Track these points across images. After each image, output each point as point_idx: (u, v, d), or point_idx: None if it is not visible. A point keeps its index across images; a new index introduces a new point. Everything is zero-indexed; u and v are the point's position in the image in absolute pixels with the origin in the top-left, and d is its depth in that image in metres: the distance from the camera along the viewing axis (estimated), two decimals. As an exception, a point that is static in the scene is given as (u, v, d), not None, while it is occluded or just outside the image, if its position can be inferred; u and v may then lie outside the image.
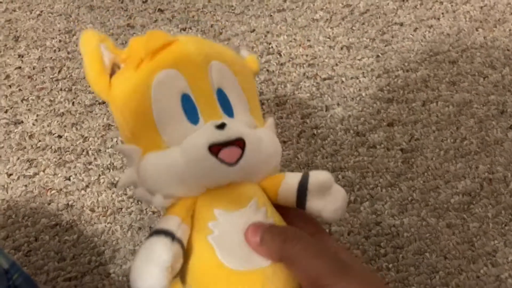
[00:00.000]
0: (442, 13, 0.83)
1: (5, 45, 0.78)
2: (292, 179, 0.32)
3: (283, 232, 0.29)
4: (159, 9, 0.84)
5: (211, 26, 0.81)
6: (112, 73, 0.32)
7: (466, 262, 0.54)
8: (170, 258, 0.27)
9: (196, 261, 0.29)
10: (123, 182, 0.32)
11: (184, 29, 0.80)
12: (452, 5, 0.84)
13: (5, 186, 0.61)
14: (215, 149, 0.29)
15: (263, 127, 0.34)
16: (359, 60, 0.75)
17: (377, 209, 0.58)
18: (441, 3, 0.84)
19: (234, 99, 0.33)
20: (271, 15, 0.83)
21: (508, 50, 0.76)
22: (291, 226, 0.31)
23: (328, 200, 0.32)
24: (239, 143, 0.29)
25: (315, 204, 0.32)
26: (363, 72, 0.73)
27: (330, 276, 0.27)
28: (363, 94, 0.70)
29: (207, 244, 0.29)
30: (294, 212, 0.33)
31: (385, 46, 0.78)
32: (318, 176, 0.32)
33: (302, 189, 0.32)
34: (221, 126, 0.29)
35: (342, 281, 0.27)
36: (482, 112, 0.68)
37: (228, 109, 0.32)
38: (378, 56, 0.76)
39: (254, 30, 0.80)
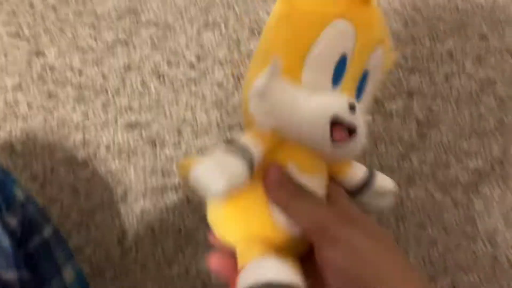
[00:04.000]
0: (479, -17, 0.79)
1: (31, -29, 0.77)
2: (358, 175, 0.35)
3: (296, 185, 0.31)
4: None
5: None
6: None
7: (466, 239, 0.55)
8: (244, 178, 0.28)
9: (249, 205, 0.31)
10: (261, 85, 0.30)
11: (212, -27, 0.78)
12: (490, -24, 0.81)
13: (25, 116, 0.62)
14: (335, 124, 0.30)
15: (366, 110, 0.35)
16: (387, 25, 0.73)
17: (385, 178, 0.59)
18: (480, -28, 0.81)
19: (368, 86, 0.34)
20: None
21: (541, 29, 0.74)
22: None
23: (381, 199, 0.36)
24: (352, 132, 0.31)
25: (367, 202, 0.36)
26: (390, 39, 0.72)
27: (334, 222, 0.29)
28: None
29: (264, 198, 0.31)
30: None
31: (416, 12, 0.75)
32: (384, 184, 0.36)
33: (364, 189, 0.35)
34: (353, 108, 0.30)
35: (345, 227, 0.29)
36: (504, 92, 0.67)
37: (359, 93, 0.33)
38: (406, 22, 0.74)
39: None
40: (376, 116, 0.64)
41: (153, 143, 0.60)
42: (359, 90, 0.33)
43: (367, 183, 0.35)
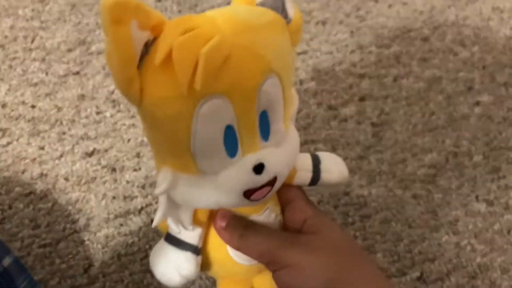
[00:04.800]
0: (416, -9, 0.84)
1: (-24, 13, 0.76)
2: (304, 176, 0.35)
3: (243, 223, 0.33)
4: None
5: (188, -2, 0.81)
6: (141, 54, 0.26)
7: (429, 231, 0.56)
8: (194, 271, 0.34)
9: (211, 250, 0.35)
10: (159, 216, 0.31)
11: (159, 0, 0.79)
12: (426, -17, 0.85)
13: (-22, 155, 0.60)
14: (248, 193, 0.29)
15: (290, 124, 0.32)
16: (333, 35, 0.76)
17: (346, 180, 0.60)
18: (416, -20, 0.85)
19: (274, 116, 0.29)
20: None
21: (478, 28, 0.78)
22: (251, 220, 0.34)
23: (337, 167, 0.36)
24: (272, 181, 0.30)
25: (327, 179, 0.36)
26: (337, 48, 0.74)
27: (284, 248, 0.31)
28: (337, 69, 0.72)
29: (222, 242, 0.34)
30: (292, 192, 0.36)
31: (360, 22, 0.79)
32: (331, 167, 0.36)
33: (315, 182, 0.36)
34: (259, 169, 0.28)
35: (295, 251, 0.31)
36: (451, 88, 0.70)
37: (265, 132, 0.29)
38: (352, 31, 0.77)
39: (230, 3, 0.80)
40: (332, 123, 0.65)
41: (112, 169, 0.59)
42: (265, 131, 0.29)
43: (314, 178, 0.35)
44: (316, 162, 0.36)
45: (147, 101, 0.26)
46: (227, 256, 0.35)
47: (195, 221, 0.33)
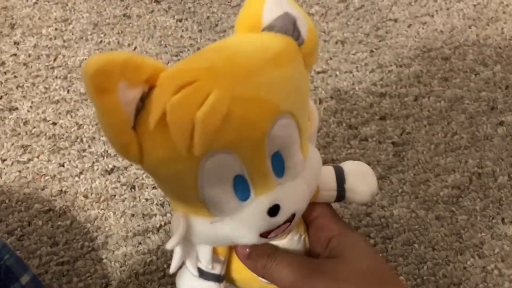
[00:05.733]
0: (436, 10, 0.83)
1: (1, 32, 0.78)
2: (328, 191, 0.32)
3: (266, 251, 0.32)
4: (155, 0, 0.84)
5: (207, 17, 0.81)
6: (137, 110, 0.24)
7: (454, 254, 0.55)
8: None
9: (235, 272, 0.34)
10: (176, 263, 0.30)
11: (180, 20, 0.80)
12: (446, 3, 0.85)
13: (-1, 171, 0.61)
14: (265, 233, 0.28)
15: (308, 148, 0.29)
16: (353, 54, 0.76)
17: (367, 200, 0.59)
18: (435, 0, 0.85)
19: (289, 153, 0.27)
20: (267, 9, 0.83)
21: (499, 48, 0.77)
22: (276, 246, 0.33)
23: (363, 186, 0.33)
24: (290, 218, 0.28)
25: (352, 199, 0.33)
26: (356, 67, 0.74)
27: (302, 278, 0.30)
28: (356, 88, 0.71)
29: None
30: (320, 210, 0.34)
31: (379, 41, 0.78)
32: (357, 182, 0.33)
33: (340, 197, 0.33)
34: (274, 212, 0.27)
35: (312, 280, 0.30)
36: (473, 108, 0.69)
37: (280, 169, 0.27)
38: (372, 51, 0.77)
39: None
40: (352, 142, 0.65)
41: (131, 187, 0.59)
42: (279, 169, 0.27)
43: (339, 197, 0.33)
44: (340, 180, 0.33)
45: (147, 161, 0.25)
46: (252, 277, 0.33)
47: (215, 252, 0.32)
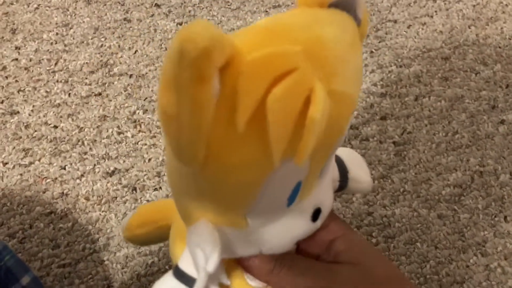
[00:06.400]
0: (435, 11, 0.84)
1: (2, 37, 0.78)
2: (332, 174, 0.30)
3: (272, 259, 0.29)
4: (155, 3, 0.84)
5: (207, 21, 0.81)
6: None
7: (456, 252, 0.54)
8: None
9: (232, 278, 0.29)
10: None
11: (181, 24, 0.81)
12: (445, 3, 0.85)
13: (1, 175, 0.61)
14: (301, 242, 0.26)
15: None
16: (353, 55, 0.76)
17: (369, 199, 0.58)
18: (435, 1, 0.85)
19: (335, 150, 0.24)
20: (266, 11, 0.84)
21: (499, 47, 0.77)
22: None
23: (365, 176, 0.32)
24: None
25: (354, 188, 0.31)
26: (357, 67, 0.74)
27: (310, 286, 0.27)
28: (357, 89, 0.71)
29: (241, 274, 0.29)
30: None
31: (379, 42, 0.79)
32: (359, 176, 0.31)
33: (342, 186, 0.31)
34: (316, 216, 0.25)
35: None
36: (473, 107, 0.69)
37: (324, 170, 0.25)
38: (372, 52, 0.77)
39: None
40: (353, 142, 0.65)
41: (133, 189, 0.59)
42: (323, 169, 0.25)
43: (340, 187, 0.31)
44: (343, 170, 0.31)
45: (214, 166, 0.20)
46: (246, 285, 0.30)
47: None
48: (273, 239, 0.25)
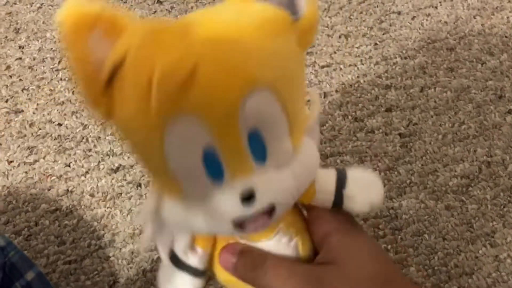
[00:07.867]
0: (440, 2, 0.83)
1: (6, 37, 0.79)
2: (325, 195, 0.29)
3: (254, 259, 0.28)
4: (158, 0, 0.84)
5: (210, 16, 0.81)
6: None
7: (465, 243, 0.54)
8: None
9: (220, 271, 0.30)
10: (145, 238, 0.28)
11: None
12: (450, -6, 0.84)
13: (6, 173, 0.61)
14: (240, 224, 0.25)
15: (301, 140, 0.26)
16: (357, 48, 0.76)
17: (375, 192, 0.58)
18: (439, -8, 0.85)
19: (271, 135, 0.25)
20: (269, 6, 0.83)
21: (506, 37, 0.76)
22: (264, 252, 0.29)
23: (363, 195, 0.30)
24: (269, 209, 0.25)
25: (350, 207, 0.29)
26: (361, 60, 0.74)
27: (301, 285, 0.27)
28: (361, 81, 0.71)
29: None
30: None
31: (383, 34, 0.78)
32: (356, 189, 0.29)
33: (337, 203, 0.29)
34: (249, 198, 0.24)
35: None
36: (480, 97, 0.68)
37: (261, 154, 0.25)
38: (376, 44, 0.76)
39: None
40: (358, 134, 0.64)
41: (137, 185, 0.59)
42: (259, 152, 0.24)
43: (336, 203, 0.29)
44: (340, 185, 0.29)
45: (116, 118, 0.23)
46: (237, 281, 0.30)
47: (196, 242, 0.29)
48: (209, 216, 0.25)
